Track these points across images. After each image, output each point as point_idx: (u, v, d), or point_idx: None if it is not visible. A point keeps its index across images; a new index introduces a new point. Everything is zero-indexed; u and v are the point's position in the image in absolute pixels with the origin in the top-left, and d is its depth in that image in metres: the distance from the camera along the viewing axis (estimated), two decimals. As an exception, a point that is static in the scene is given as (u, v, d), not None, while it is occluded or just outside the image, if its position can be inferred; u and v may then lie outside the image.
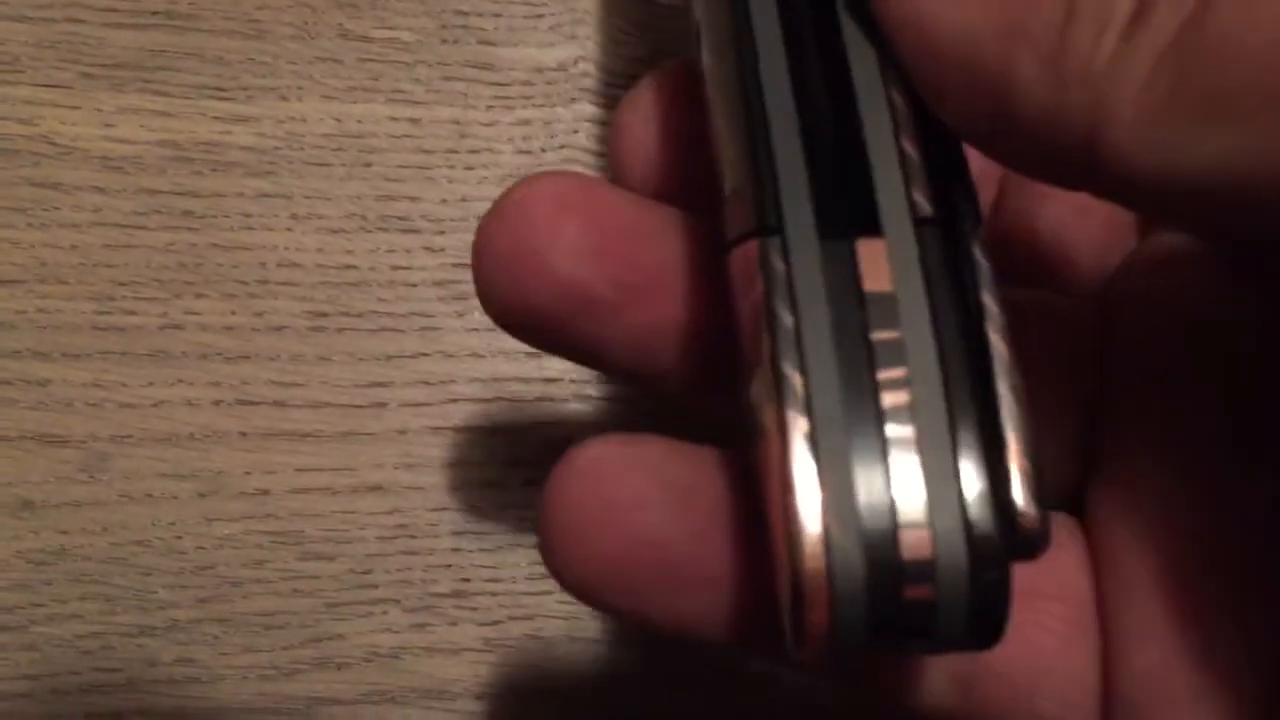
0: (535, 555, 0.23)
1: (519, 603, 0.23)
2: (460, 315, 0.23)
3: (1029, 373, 0.14)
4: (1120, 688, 0.15)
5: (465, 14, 0.24)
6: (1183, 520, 0.15)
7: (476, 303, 0.23)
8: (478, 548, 0.23)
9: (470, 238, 0.23)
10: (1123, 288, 0.16)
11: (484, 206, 0.23)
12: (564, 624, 0.22)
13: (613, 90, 0.24)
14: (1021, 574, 0.11)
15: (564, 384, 0.23)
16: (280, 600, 0.22)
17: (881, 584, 0.11)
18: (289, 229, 0.23)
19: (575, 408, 0.23)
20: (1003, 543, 0.11)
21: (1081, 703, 0.15)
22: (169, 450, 0.23)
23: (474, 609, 0.22)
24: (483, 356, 0.23)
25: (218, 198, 0.23)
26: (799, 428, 0.11)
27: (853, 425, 0.11)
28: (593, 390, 0.23)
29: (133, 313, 0.23)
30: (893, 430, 0.11)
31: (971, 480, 0.11)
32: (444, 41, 0.24)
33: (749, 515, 0.13)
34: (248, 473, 0.23)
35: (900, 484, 0.11)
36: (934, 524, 0.11)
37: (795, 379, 0.11)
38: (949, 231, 0.12)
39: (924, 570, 0.11)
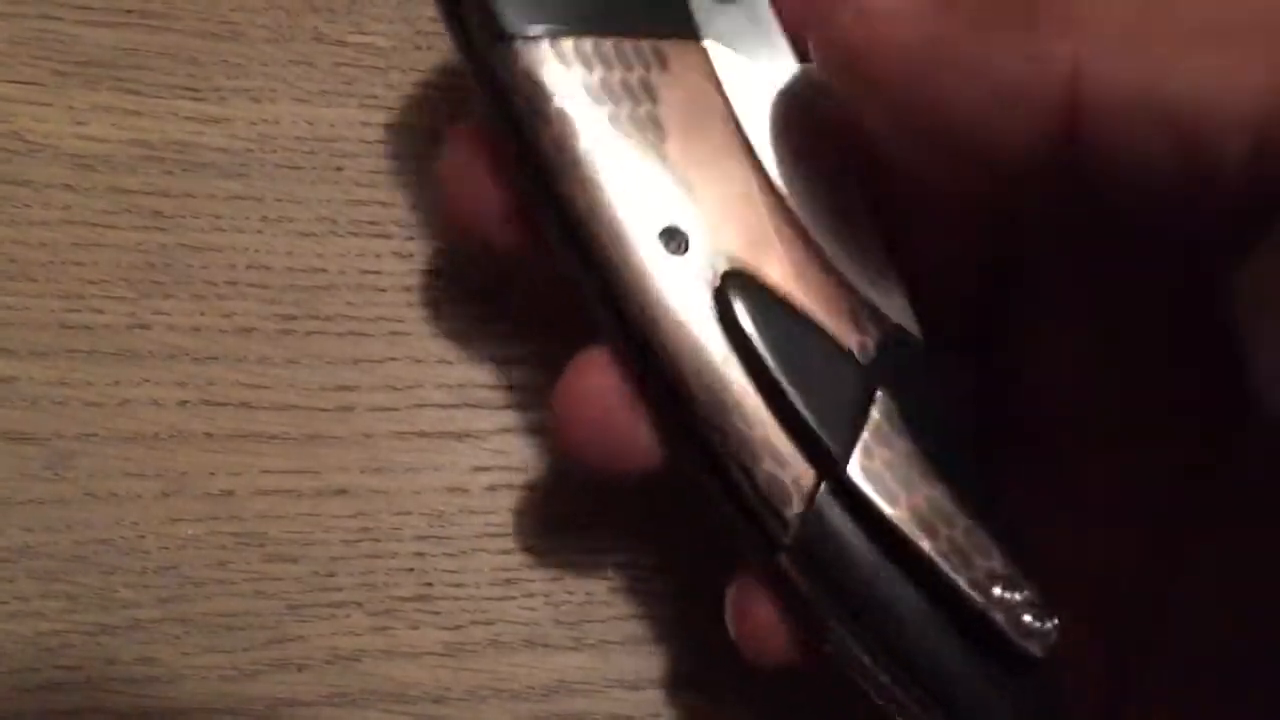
0: (498, 561, 0.23)
1: (481, 608, 0.23)
2: (428, 321, 0.23)
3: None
4: None
5: (439, 21, 0.24)
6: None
7: (445, 308, 0.23)
8: (441, 552, 0.23)
9: (440, 244, 0.24)
10: None
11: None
12: (524, 629, 0.23)
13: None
14: None
15: (529, 392, 0.23)
16: (242, 601, 0.22)
17: None
18: (259, 231, 0.23)
19: (539, 415, 0.23)
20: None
21: None
22: (134, 449, 0.23)
23: (436, 613, 0.23)
24: (450, 362, 0.23)
25: (188, 198, 0.23)
26: None
27: None
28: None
29: (100, 311, 0.23)
30: None
31: None
32: (418, 48, 0.24)
33: None
34: (212, 474, 0.23)
35: None
36: None
37: None
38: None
39: None
